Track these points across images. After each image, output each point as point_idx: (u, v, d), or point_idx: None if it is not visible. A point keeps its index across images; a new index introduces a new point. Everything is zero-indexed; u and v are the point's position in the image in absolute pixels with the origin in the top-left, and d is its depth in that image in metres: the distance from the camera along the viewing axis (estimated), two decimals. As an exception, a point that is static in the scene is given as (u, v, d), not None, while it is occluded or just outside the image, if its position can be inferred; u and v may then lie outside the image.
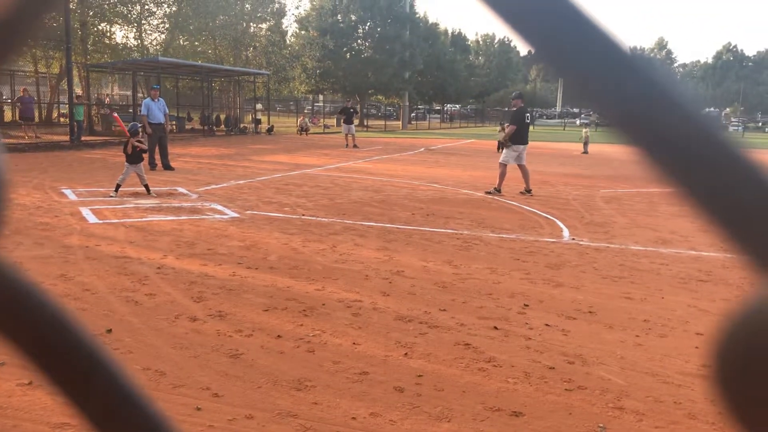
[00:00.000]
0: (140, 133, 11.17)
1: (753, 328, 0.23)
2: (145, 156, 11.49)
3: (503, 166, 12.61)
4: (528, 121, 12.83)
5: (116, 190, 10.65)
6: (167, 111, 16.10)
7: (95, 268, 6.14)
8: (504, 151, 12.82)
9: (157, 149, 15.40)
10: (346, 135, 26.95)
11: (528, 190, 12.46)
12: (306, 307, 5.17)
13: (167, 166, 15.24)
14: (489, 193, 12.44)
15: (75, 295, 5.26)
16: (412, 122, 58.31)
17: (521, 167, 12.69)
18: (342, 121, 28.45)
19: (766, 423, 0.23)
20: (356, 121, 32.06)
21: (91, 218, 8.63)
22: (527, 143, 12.76)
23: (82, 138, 23.24)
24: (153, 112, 15.40)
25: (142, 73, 31.68)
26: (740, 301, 0.24)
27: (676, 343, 4.64)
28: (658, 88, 0.24)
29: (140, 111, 16.14)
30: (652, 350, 4.47)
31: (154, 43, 39.78)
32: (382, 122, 53.90)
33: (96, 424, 0.34)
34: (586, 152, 26.23)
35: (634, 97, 0.24)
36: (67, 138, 22.34)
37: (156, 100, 15.52)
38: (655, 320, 5.10)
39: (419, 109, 65.54)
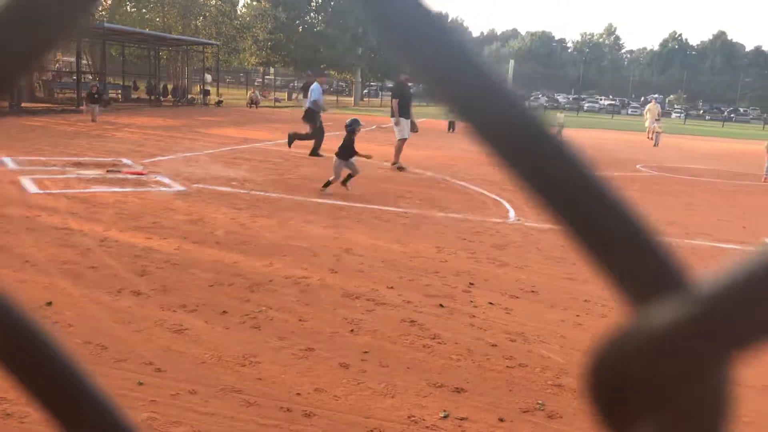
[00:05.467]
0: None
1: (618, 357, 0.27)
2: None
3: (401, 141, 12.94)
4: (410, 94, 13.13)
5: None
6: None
7: (36, 239, 5.97)
8: (396, 127, 13.10)
9: None
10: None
11: (395, 164, 12.79)
12: (253, 283, 5.14)
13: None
14: (401, 169, 12.63)
15: (14, 267, 5.11)
16: (364, 99, 58.06)
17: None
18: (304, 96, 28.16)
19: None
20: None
21: (32, 188, 8.37)
22: (408, 118, 13.12)
23: (23, 104, 22.40)
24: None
25: (87, 40, 30.62)
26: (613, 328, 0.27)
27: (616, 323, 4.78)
28: (480, 70, 0.27)
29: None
30: (592, 330, 4.60)
31: (100, 8, 38.44)
32: (334, 98, 53.51)
33: (63, 425, 0.34)
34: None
35: (461, 81, 0.27)
36: (5, 104, 21.49)
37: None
38: (596, 300, 5.25)
39: (372, 86, 65.20)
